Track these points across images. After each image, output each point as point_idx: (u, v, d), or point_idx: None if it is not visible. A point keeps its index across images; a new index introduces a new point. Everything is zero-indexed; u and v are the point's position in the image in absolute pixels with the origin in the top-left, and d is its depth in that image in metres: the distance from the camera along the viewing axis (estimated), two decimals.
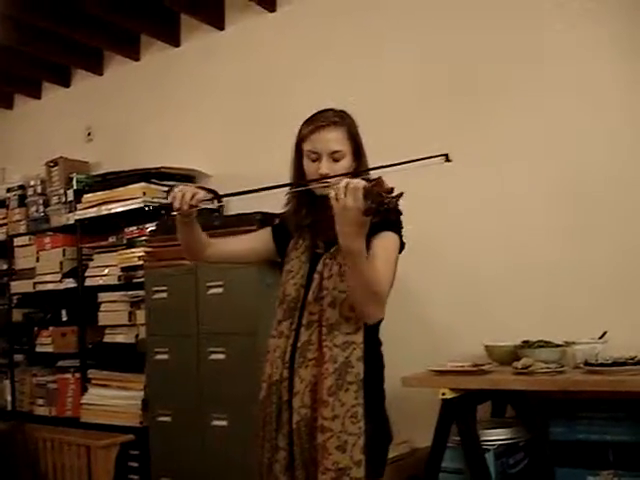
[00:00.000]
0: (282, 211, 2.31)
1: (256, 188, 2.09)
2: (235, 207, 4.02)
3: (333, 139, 2.11)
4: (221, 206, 4.07)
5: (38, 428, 4.54)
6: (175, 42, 4.81)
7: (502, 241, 3.39)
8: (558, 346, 2.94)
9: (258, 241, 2.38)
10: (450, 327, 3.47)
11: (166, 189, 4.26)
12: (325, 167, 2.09)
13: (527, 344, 2.99)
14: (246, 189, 2.13)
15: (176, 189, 2.13)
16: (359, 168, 2.11)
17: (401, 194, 1.73)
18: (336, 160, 2.11)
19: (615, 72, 3.15)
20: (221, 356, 3.59)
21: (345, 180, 1.81)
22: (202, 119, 4.60)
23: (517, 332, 3.07)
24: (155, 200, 4.25)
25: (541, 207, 3.31)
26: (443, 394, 2.76)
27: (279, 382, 2.09)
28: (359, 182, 1.78)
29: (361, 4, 3.94)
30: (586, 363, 2.72)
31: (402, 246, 2.14)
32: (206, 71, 4.62)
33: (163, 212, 2.22)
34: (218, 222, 3.80)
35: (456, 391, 2.77)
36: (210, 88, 4.58)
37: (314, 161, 2.12)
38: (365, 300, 1.98)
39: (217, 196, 2.19)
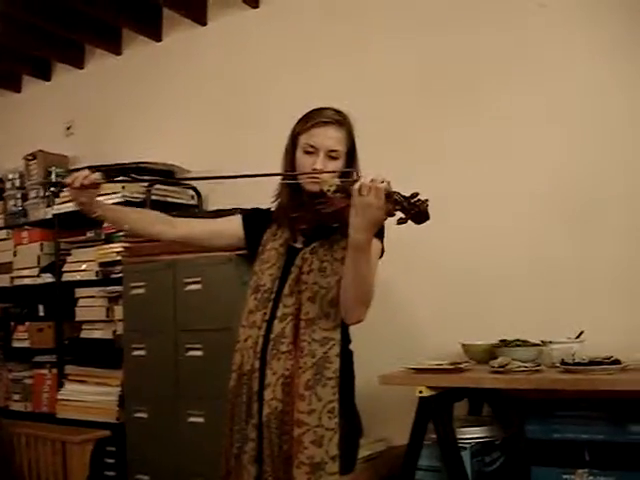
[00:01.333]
0: (273, 200, 2.29)
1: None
2: (214, 203, 4.01)
3: (333, 137, 2.12)
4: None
5: (13, 423, 4.50)
6: (157, 37, 4.79)
7: (479, 240, 3.40)
8: (535, 345, 2.95)
9: (226, 227, 2.36)
10: (427, 326, 3.48)
11: (146, 184, 4.24)
12: (320, 163, 2.09)
13: (504, 343, 3.00)
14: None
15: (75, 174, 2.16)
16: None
17: (427, 199, 1.75)
18: (332, 159, 2.11)
19: (616, 70, 3.16)
20: (198, 352, 3.57)
21: (370, 176, 1.81)
22: (183, 114, 4.59)
23: (494, 331, 3.08)
24: (134, 195, 4.22)
25: (522, 207, 3.32)
26: (420, 392, 2.76)
27: (250, 372, 2.09)
28: (383, 182, 1.78)
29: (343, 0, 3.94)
30: (562, 362, 2.73)
31: (382, 252, 2.16)
32: (188, 66, 4.60)
33: (52, 186, 2.27)
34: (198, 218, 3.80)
35: (433, 389, 2.77)
36: (192, 84, 4.57)
37: (310, 155, 2.12)
38: (357, 299, 1.99)
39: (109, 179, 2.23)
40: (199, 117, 4.51)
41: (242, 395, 2.10)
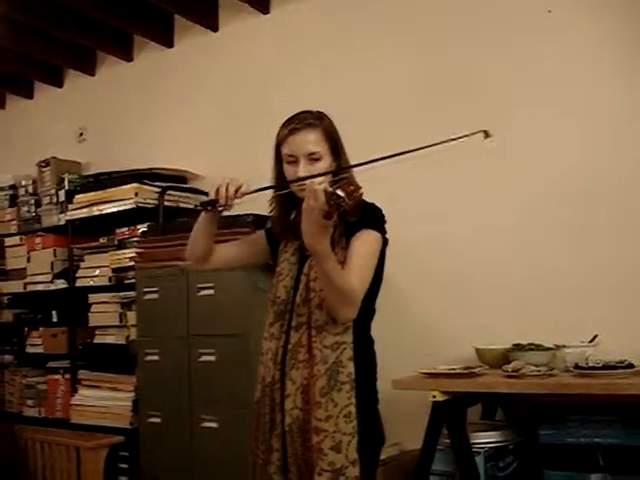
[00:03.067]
0: (269, 212, 2.29)
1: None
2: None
3: (309, 141, 2.10)
4: None
5: (27, 429, 4.52)
6: (168, 43, 4.80)
7: (494, 245, 3.39)
8: (548, 349, 2.94)
9: (257, 244, 2.38)
10: (441, 330, 3.48)
11: (158, 190, 4.26)
12: (302, 170, 2.08)
13: (518, 347, 2.99)
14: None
15: (219, 183, 2.09)
16: (339, 167, 2.10)
17: (360, 194, 1.73)
18: (314, 161, 2.10)
19: (618, 70, 3.17)
20: (211, 358, 3.58)
21: (309, 182, 1.83)
22: (195, 120, 4.60)
23: (508, 335, 3.08)
24: (147, 201, 4.24)
25: (535, 212, 3.32)
26: (434, 397, 2.77)
27: (272, 384, 2.09)
28: (320, 184, 1.79)
29: (355, 5, 3.95)
30: (576, 366, 2.73)
31: (385, 242, 2.13)
32: (199, 72, 4.61)
33: (202, 207, 2.19)
34: None
35: (447, 394, 2.78)
36: (203, 89, 4.58)
37: (292, 164, 2.12)
38: (334, 300, 1.97)
39: (265, 187, 2.15)
40: (210, 122, 4.52)
41: (265, 406, 2.10)
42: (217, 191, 2.08)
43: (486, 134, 1.86)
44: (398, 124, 3.67)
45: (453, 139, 1.89)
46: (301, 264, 2.16)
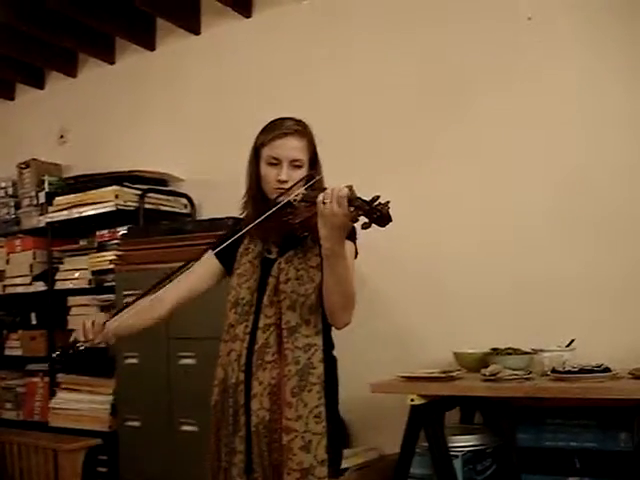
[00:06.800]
0: (240, 213, 2.32)
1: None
2: (208, 212, 4.02)
3: (295, 147, 2.15)
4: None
5: (5, 432, 4.49)
6: (150, 46, 4.80)
7: (472, 249, 3.41)
8: (526, 353, 2.97)
9: (207, 271, 2.34)
10: (420, 334, 3.49)
11: (139, 192, 4.25)
12: (285, 174, 2.13)
13: (495, 351, 3.01)
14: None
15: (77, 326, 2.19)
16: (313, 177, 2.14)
17: (388, 202, 1.76)
18: (296, 167, 2.15)
19: (620, 70, 3.18)
20: (191, 361, 3.57)
21: (331, 187, 1.85)
22: (176, 123, 4.59)
23: (486, 339, 3.10)
24: (127, 203, 4.23)
25: (514, 219, 3.34)
26: (412, 400, 2.77)
27: (235, 385, 2.11)
28: (343, 189, 1.82)
29: (337, 10, 3.96)
30: (553, 370, 2.75)
31: (356, 254, 2.19)
32: (181, 75, 4.60)
33: (71, 351, 2.26)
34: (190, 227, 3.81)
35: (425, 397, 2.79)
36: (185, 92, 4.57)
37: (274, 166, 2.16)
38: (342, 304, 2.02)
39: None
40: (192, 126, 4.51)
41: (228, 409, 2.12)
42: (77, 332, 2.18)
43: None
44: (385, 128, 3.70)
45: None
46: (264, 266, 2.19)
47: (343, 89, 3.86)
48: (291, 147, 2.15)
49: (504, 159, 3.39)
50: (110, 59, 5.03)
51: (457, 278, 3.44)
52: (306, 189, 1.96)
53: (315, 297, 2.09)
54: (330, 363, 2.15)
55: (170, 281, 2.30)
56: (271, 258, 2.20)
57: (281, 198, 2.05)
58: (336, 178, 3.47)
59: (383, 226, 1.80)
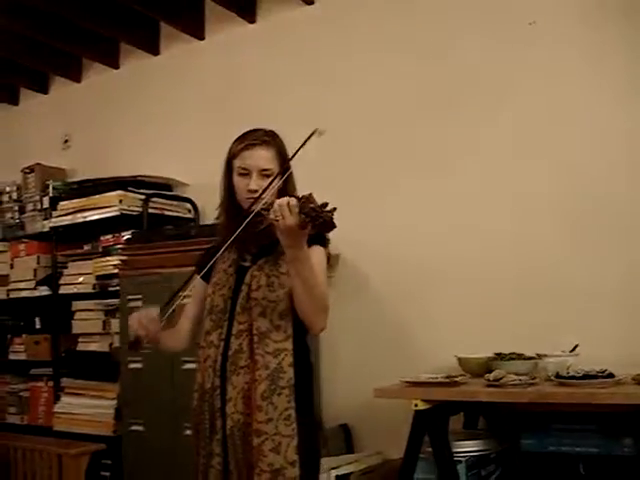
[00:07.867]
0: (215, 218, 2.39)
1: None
2: (211, 217, 4.01)
3: (264, 157, 2.21)
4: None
5: (9, 436, 4.50)
6: (154, 51, 4.81)
7: (476, 255, 3.42)
8: (530, 358, 2.96)
9: (201, 293, 2.38)
10: (423, 339, 3.49)
11: (143, 197, 4.26)
12: (254, 183, 2.19)
13: (499, 356, 3.01)
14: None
15: (130, 322, 2.25)
16: (285, 186, 2.17)
17: (334, 209, 1.82)
18: (265, 177, 2.19)
19: (620, 70, 3.19)
20: (194, 365, 3.56)
21: (277, 201, 1.90)
22: (180, 128, 4.60)
23: (490, 344, 3.10)
24: (131, 208, 4.24)
25: (517, 223, 3.35)
26: (416, 405, 2.77)
27: (211, 390, 2.16)
28: (291, 200, 1.87)
29: (341, 15, 3.97)
30: (557, 375, 2.75)
31: (328, 258, 2.23)
32: (185, 80, 4.62)
33: (132, 347, 2.30)
34: (194, 232, 3.81)
35: (429, 402, 2.78)
36: (189, 97, 4.58)
37: (244, 177, 2.21)
38: (313, 308, 2.08)
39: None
40: (196, 130, 4.52)
41: (205, 412, 2.18)
42: (133, 329, 2.24)
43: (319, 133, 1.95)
44: (388, 134, 3.71)
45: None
46: (239, 275, 2.23)
47: (349, 94, 3.87)
48: (260, 157, 2.21)
49: (505, 161, 3.40)
50: (114, 64, 5.05)
51: (461, 283, 3.44)
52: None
53: (286, 303, 2.14)
54: (302, 367, 2.19)
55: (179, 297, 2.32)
56: (245, 266, 2.25)
57: (253, 207, 2.10)
58: (336, 178, 3.51)
59: (327, 232, 1.91)
